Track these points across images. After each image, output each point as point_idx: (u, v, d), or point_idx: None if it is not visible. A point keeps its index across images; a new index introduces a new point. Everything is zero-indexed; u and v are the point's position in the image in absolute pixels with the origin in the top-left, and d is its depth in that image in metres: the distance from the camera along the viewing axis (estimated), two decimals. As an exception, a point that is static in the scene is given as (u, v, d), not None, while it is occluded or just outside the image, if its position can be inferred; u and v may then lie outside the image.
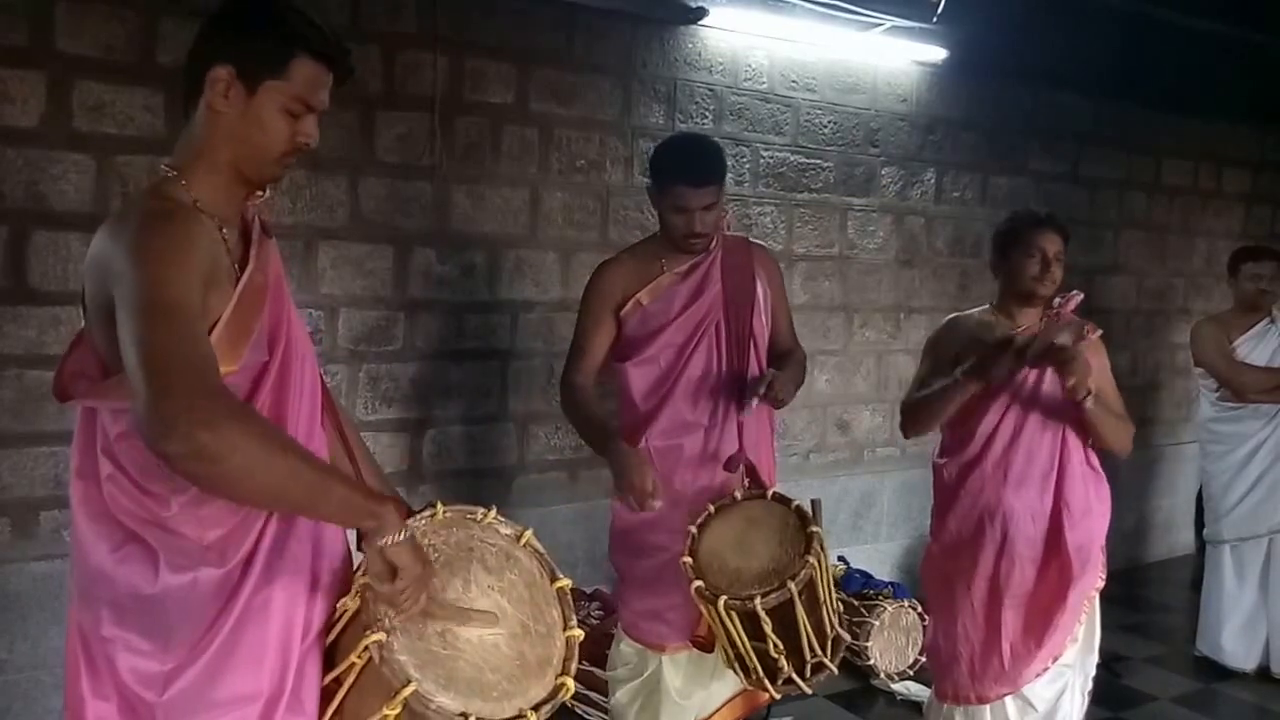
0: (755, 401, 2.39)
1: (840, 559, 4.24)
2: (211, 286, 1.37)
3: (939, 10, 4.04)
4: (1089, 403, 2.46)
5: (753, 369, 2.52)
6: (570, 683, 1.49)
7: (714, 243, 2.52)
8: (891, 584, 4.01)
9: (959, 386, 2.55)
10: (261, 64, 1.42)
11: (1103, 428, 2.60)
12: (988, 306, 2.78)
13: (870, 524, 4.62)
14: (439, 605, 1.45)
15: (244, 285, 1.43)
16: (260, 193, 1.54)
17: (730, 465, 2.42)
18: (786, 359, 2.62)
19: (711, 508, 2.32)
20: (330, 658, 1.49)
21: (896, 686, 3.75)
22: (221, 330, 1.38)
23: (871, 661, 3.75)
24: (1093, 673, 2.77)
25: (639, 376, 2.51)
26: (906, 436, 2.81)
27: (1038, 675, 2.62)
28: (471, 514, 1.59)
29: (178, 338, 1.25)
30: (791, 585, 2.07)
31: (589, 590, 3.60)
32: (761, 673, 2.21)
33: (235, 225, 1.50)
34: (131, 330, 1.27)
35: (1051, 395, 2.61)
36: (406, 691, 1.33)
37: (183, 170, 1.45)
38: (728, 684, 2.52)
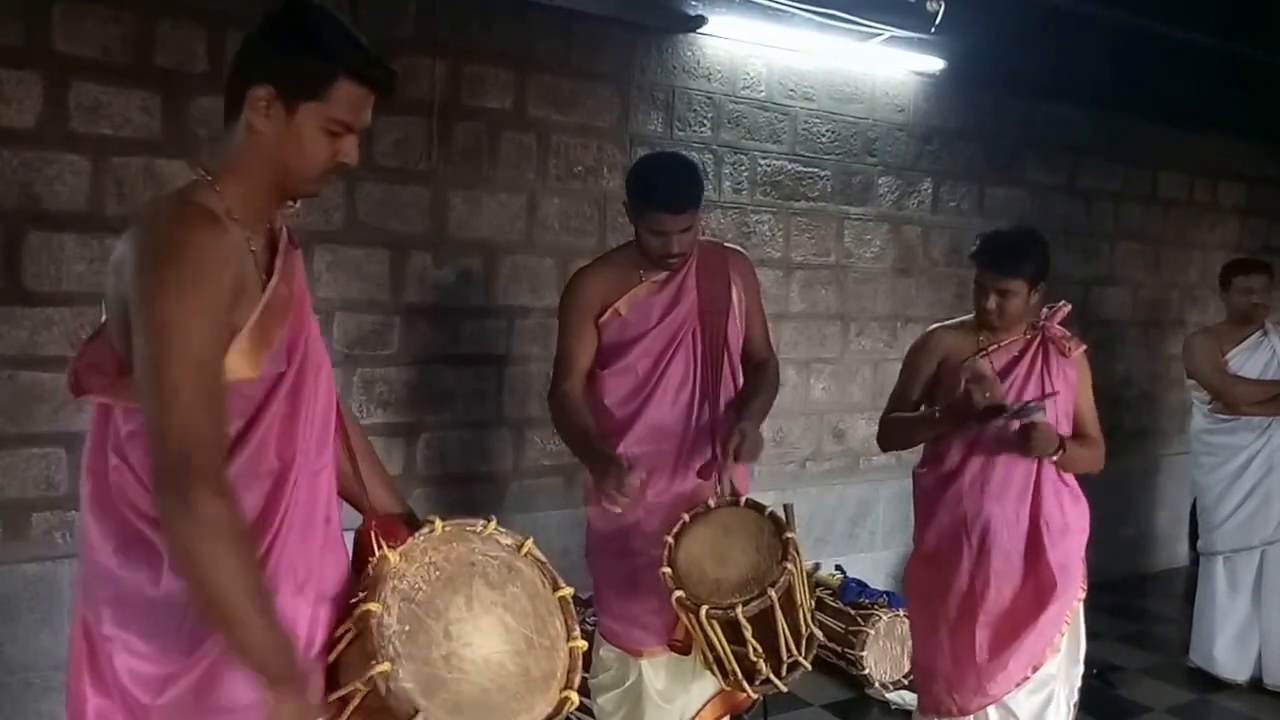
0: (730, 471, 2.37)
1: (837, 568, 4.23)
2: (240, 297, 1.37)
3: (937, 21, 4.05)
4: (1055, 457, 2.59)
5: (726, 379, 2.53)
6: (574, 696, 1.50)
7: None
8: (886, 593, 4.00)
9: (933, 424, 2.60)
10: (301, 86, 1.39)
11: (1074, 467, 2.69)
12: (971, 317, 2.77)
13: (866, 532, 4.61)
14: None
15: (268, 297, 1.42)
16: (291, 203, 1.53)
17: (704, 473, 2.41)
18: (758, 375, 2.60)
19: (686, 517, 2.31)
20: (332, 676, 1.48)
21: (891, 696, 3.75)
22: (244, 339, 1.38)
23: (866, 671, 3.75)
24: (1078, 684, 2.77)
25: (616, 384, 2.51)
26: (884, 450, 2.83)
27: (1018, 685, 2.62)
28: (471, 526, 1.58)
29: (193, 406, 1.29)
30: (772, 593, 2.10)
31: (585, 596, 3.59)
32: (739, 674, 2.23)
33: (263, 234, 1.49)
34: (148, 380, 1.30)
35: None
36: None
37: (218, 176, 1.43)
38: (707, 683, 2.53)
